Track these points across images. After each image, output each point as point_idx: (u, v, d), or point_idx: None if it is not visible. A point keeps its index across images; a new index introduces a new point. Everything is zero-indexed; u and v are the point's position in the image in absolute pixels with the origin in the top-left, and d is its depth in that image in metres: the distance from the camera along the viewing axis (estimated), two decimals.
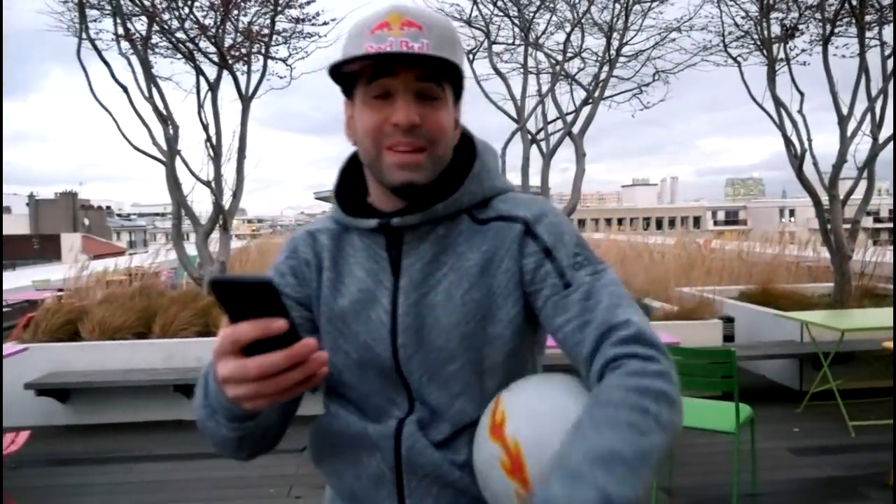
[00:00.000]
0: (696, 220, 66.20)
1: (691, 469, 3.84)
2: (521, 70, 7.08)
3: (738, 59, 7.16)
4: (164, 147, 6.23)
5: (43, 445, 4.24)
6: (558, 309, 0.91)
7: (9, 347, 4.79)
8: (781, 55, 7.01)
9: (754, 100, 6.97)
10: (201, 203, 8.92)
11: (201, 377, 0.89)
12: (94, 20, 6.21)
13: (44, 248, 46.70)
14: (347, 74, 0.94)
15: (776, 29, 7.00)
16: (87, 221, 62.75)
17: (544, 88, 7.10)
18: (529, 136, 7.05)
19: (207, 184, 6.34)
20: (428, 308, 0.96)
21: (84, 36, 5.92)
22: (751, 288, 7.27)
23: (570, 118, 6.91)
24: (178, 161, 6.29)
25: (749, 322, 6.36)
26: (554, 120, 7.07)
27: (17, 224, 62.09)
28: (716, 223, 69.65)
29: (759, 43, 6.98)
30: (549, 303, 0.92)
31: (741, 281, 7.71)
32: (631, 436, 0.76)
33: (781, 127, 6.93)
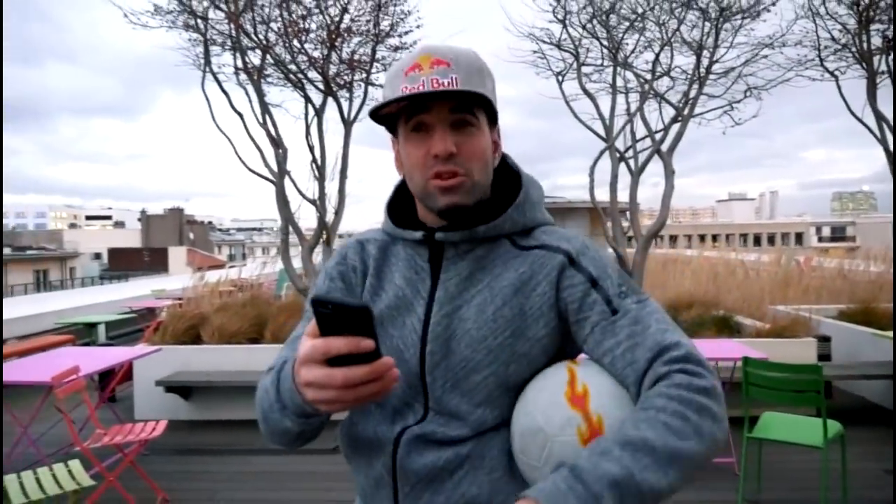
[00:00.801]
0: (799, 237, 62.85)
1: (780, 484, 3.87)
2: (610, 90, 7.21)
3: (836, 72, 7.01)
4: (275, 168, 6.78)
5: (170, 436, 4.74)
6: (607, 334, 0.97)
7: (143, 348, 5.37)
8: (883, 67, 6.82)
9: (853, 114, 6.82)
10: (306, 220, 9.46)
11: (272, 375, 0.99)
12: (216, 55, 6.86)
13: (153, 260, 49.88)
14: (389, 116, 1.05)
15: (877, 41, 6.82)
16: (192, 235, 66.47)
17: (633, 107, 7.19)
18: (618, 154, 7.15)
19: (313, 202, 6.85)
20: (459, 320, 1.02)
21: (207, 69, 6.56)
22: (851, 307, 7.04)
23: (658, 136, 6.97)
24: (286, 181, 6.82)
25: (846, 342, 6.19)
26: (643, 138, 7.14)
27: (130, 238, 66.52)
28: (820, 239, 65.82)
29: (857, 56, 6.82)
30: (597, 329, 0.98)
31: (842, 300, 7.45)
32: (665, 434, 0.82)
33: (883, 141, 6.74)
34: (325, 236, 6.90)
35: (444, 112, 0.99)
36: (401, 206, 1.13)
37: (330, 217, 6.97)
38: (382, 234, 1.15)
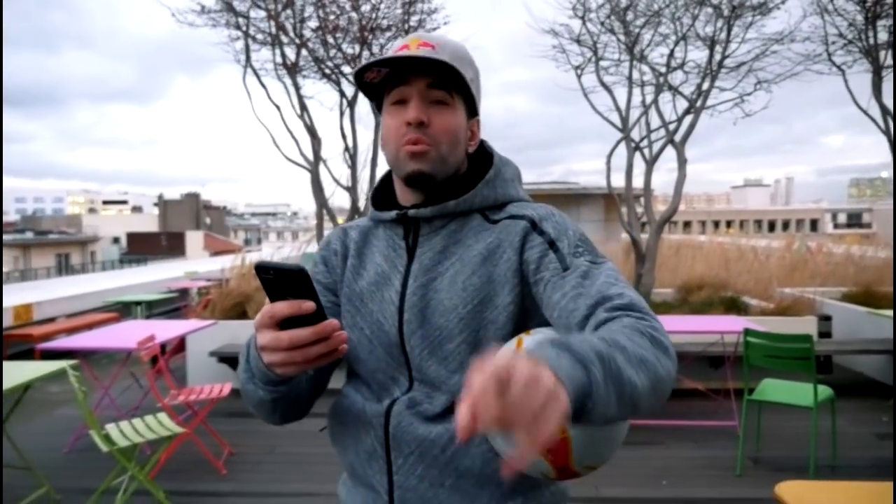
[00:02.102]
0: (814, 223, 62.50)
1: (777, 443, 4.31)
2: (626, 82, 7.58)
3: (843, 66, 7.34)
4: (310, 156, 7.24)
5: (225, 401, 5.24)
6: (556, 288, 0.99)
7: (199, 322, 5.88)
8: (889, 62, 7.14)
9: (859, 107, 7.14)
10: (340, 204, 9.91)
11: (244, 347, 1.03)
12: (255, 50, 7.31)
13: (170, 244, 50.59)
14: (378, 94, 1.11)
15: (883, 36, 7.13)
16: (208, 220, 67.21)
17: (648, 99, 7.56)
18: (633, 144, 7.54)
19: (347, 188, 7.32)
20: (433, 291, 1.06)
21: (248, 65, 7.02)
22: (854, 290, 7.42)
23: (672, 126, 7.34)
24: (321, 168, 7.28)
25: (846, 321, 6.59)
26: (657, 129, 7.51)
27: (148, 222, 67.36)
28: (836, 226, 65.44)
29: (864, 51, 7.14)
30: (548, 285, 1.00)
31: (847, 284, 7.82)
32: (631, 343, 0.81)
33: (888, 132, 7.07)
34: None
35: (422, 86, 1.04)
36: (384, 194, 1.19)
37: (362, 202, 7.43)
38: (367, 221, 1.22)
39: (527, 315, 1.05)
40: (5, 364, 4.03)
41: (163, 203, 68.98)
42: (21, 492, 3.65)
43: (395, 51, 1.04)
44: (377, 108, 1.14)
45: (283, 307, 0.84)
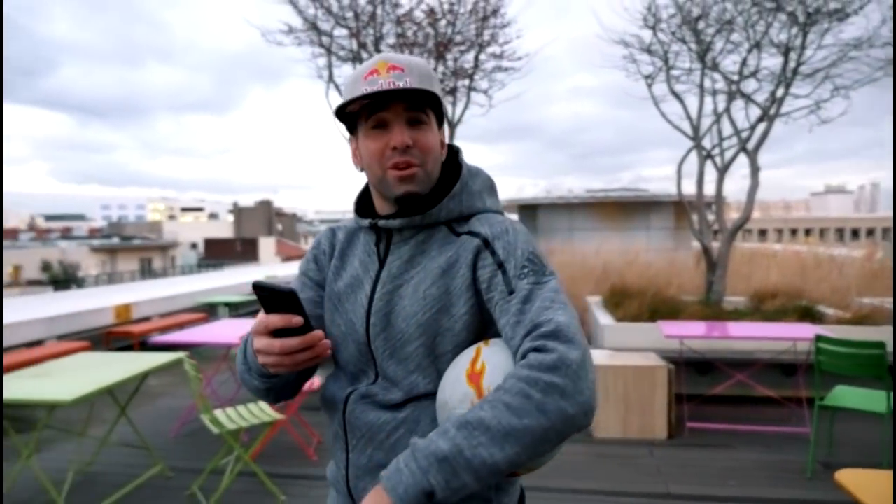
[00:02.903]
0: None
1: (848, 450, 4.33)
2: (698, 91, 7.61)
3: None
4: None
5: (311, 395, 5.57)
6: (502, 312, 1.07)
7: None
8: None
9: None
10: None
11: (242, 343, 1.20)
12: (336, 66, 7.73)
13: (244, 250, 52.43)
14: (350, 115, 1.18)
15: None
16: (279, 226, 69.29)
17: (720, 107, 7.58)
18: (704, 152, 7.56)
19: None
20: (398, 297, 1.15)
21: (331, 81, 7.44)
22: None
23: (744, 134, 7.34)
24: None
25: None
26: (729, 136, 7.51)
27: (223, 229, 69.98)
28: None
29: None
30: (496, 307, 1.08)
31: None
32: (503, 413, 0.90)
33: None
34: None
35: (401, 110, 1.12)
36: (366, 200, 1.27)
37: None
38: (353, 223, 1.30)
39: (484, 324, 1.13)
40: (125, 354, 4.50)
41: (237, 210, 71.54)
42: (138, 469, 4.08)
43: (366, 76, 1.11)
44: (349, 129, 1.21)
45: (276, 320, 0.99)
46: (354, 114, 1.16)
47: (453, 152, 1.26)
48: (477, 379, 1.04)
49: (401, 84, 1.08)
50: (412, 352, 1.13)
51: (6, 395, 3.31)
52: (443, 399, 1.08)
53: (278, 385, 1.18)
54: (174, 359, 4.07)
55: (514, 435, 0.89)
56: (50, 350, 6.91)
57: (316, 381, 4.74)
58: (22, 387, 3.43)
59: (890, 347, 3.90)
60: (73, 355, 4.47)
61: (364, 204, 1.26)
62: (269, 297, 0.97)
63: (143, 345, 8.19)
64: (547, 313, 1.01)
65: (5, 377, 3.85)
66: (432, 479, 0.88)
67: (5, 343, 6.83)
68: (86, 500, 3.62)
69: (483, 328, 1.13)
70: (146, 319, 9.29)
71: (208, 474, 3.90)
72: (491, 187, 1.27)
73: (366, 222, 1.21)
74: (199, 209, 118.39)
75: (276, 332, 0.99)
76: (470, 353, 1.09)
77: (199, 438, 4.85)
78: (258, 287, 0.97)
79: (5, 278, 40.59)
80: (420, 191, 1.14)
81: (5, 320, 7.15)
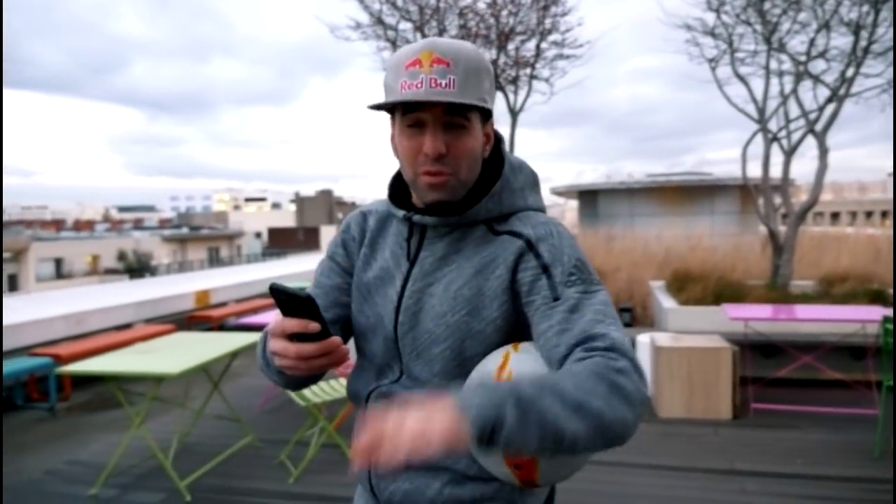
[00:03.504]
0: None
1: None
2: (763, 73, 7.51)
3: None
4: None
5: None
6: (544, 318, 1.01)
7: None
8: None
9: None
10: None
11: (260, 338, 1.16)
12: None
13: (306, 239, 53.69)
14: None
15: None
16: (340, 215, 70.52)
17: (786, 88, 7.46)
18: (770, 135, 7.47)
19: None
20: (428, 296, 1.11)
21: None
22: None
23: (812, 116, 7.22)
24: None
25: None
26: (796, 118, 7.39)
27: (286, 218, 71.70)
28: None
29: None
30: (538, 312, 1.03)
31: None
32: (576, 390, 0.85)
33: None
34: None
35: (439, 113, 1.04)
36: (402, 184, 1.20)
37: None
38: (385, 206, 1.23)
39: (517, 328, 1.09)
40: (215, 335, 4.87)
41: (299, 200, 73.17)
42: (230, 440, 4.44)
43: (407, 66, 1.03)
44: (388, 111, 1.12)
45: (293, 324, 0.95)
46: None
47: (495, 140, 1.19)
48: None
49: (443, 83, 1.01)
50: (438, 353, 1.09)
51: (119, 367, 3.69)
52: None
53: (298, 378, 1.14)
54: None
55: (583, 411, 0.84)
56: (138, 332, 7.44)
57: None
58: (132, 362, 3.81)
59: None
60: (169, 336, 4.87)
61: (398, 189, 1.21)
62: (286, 300, 0.95)
63: (221, 328, 8.68)
64: (600, 327, 0.97)
65: (110, 354, 4.25)
66: (507, 412, 0.80)
67: (101, 325, 7.39)
68: (187, 465, 3.98)
69: (515, 333, 1.09)
70: (223, 304, 9.81)
71: (294, 445, 4.21)
72: (534, 183, 1.21)
73: (400, 214, 1.16)
74: (263, 199, 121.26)
75: (293, 337, 0.96)
76: (497, 357, 1.05)
77: (282, 413, 5.20)
78: (275, 290, 0.95)
79: (85, 267, 42.78)
80: (451, 199, 1.09)
81: (101, 304, 7.73)
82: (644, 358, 5.40)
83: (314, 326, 0.94)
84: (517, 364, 1.02)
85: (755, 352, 5.48)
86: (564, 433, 0.82)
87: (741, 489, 3.64)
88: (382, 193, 1.25)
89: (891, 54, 6.94)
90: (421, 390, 1.11)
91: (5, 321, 6.43)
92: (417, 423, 0.78)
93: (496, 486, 1.10)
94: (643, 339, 5.50)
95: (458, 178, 1.07)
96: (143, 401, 3.86)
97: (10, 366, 5.81)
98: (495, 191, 1.12)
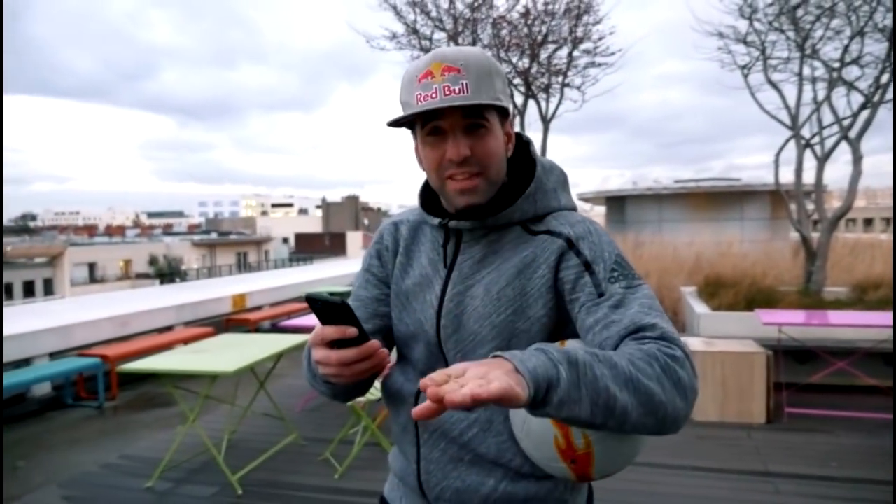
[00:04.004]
0: None
1: None
2: (796, 79, 7.53)
3: None
4: None
5: None
6: (590, 313, 1.03)
7: None
8: None
9: None
10: None
11: (305, 351, 1.15)
12: None
13: (333, 244, 54.08)
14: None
15: None
16: (366, 221, 71.00)
17: (819, 95, 7.47)
18: (803, 141, 7.48)
19: None
20: (469, 298, 1.12)
21: None
22: None
23: (846, 122, 7.21)
24: None
25: None
26: (829, 125, 7.40)
27: (312, 224, 72.30)
28: None
29: None
30: (583, 308, 1.04)
31: None
32: (629, 365, 0.87)
33: None
34: None
35: (458, 117, 1.06)
36: (432, 191, 1.22)
37: None
38: (417, 215, 1.26)
39: (561, 326, 1.11)
40: (260, 336, 5.05)
41: (325, 205, 73.76)
42: (276, 437, 4.61)
43: (420, 79, 1.05)
44: (408, 126, 1.15)
45: (331, 331, 0.97)
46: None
47: (523, 142, 1.22)
48: None
49: (456, 89, 1.03)
50: (485, 354, 1.08)
51: (178, 366, 3.88)
52: (511, 413, 1.09)
53: (347, 387, 1.16)
54: (303, 341, 4.56)
55: (634, 385, 0.86)
56: (180, 335, 7.68)
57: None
58: (188, 361, 4.00)
59: None
60: (217, 337, 5.06)
61: (429, 197, 1.23)
62: (322, 308, 0.97)
63: (257, 330, 8.90)
64: (648, 318, 0.99)
65: (166, 354, 4.46)
66: (563, 372, 0.81)
67: (144, 327, 7.65)
68: (236, 461, 4.15)
69: (558, 331, 1.11)
70: (258, 308, 10.05)
71: (337, 443, 4.37)
72: (564, 182, 1.23)
73: (435, 221, 1.18)
74: (289, 205, 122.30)
75: (334, 344, 0.98)
76: None
77: (322, 413, 5.37)
78: (311, 299, 0.97)
79: (117, 271, 43.65)
80: (481, 201, 1.11)
81: (143, 307, 7.99)
82: None
83: (352, 331, 0.96)
84: None
85: (788, 357, 5.51)
86: (616, 402, 0.84)
87: (775, 490, 3.71)
88: (408, 198, 1.35)
89: None
90: None
91: (54, 322, 6.71)
92: (480, 368, 0.78)
93: (549, 486, 1.12)
94: None
95: (486, 178, 1.09)
96: (197, 398, 4.04)
97: (60, 366, 6.07)
98: (530, 192, 1.14)
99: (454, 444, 1.13)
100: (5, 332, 6.02)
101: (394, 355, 1.25)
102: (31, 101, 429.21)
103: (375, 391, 4.33)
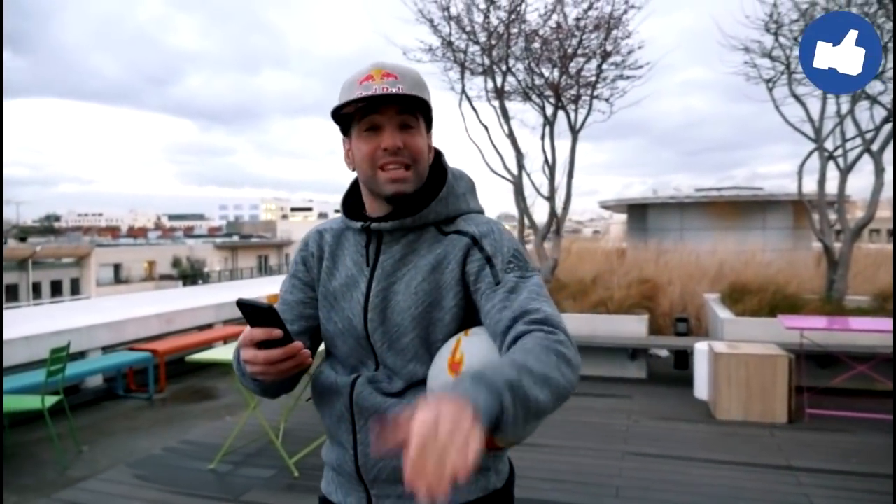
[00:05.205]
0: None
1: None
2: (820, 93, 7.71)
3: None
4: (513, 170, 8.25)
5: None
6: (488, 299, 1.16)
7: None
8: None
9: None
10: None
11: (235, 352, 1.21)
12: (468, 79, 8.43)
13: None
14: (344, 117, 1.24)
15: None
16: None
17: (843, 108, 7.66)
18: (826, 154, 7.68)
19: (546, 198, 8.21)
20: (392, 294, 1.23)
21: (463, 93, 8.18)
22: None
23: (869, 135, 7.40)
24: (524, 180, 8.25)
25: None
26: (852, 138, 7.58)
27: None
28: None
29: None
30: (483, 296, 1.17)
31: None
32: (536, 363, 0.97)
33: None
34: (555, 226, 8.24)
35: (393, 113, 1.18)
36: (354, 199, 1.33)
37: (559, 210, 8.29)
38: (340, 223, 1.35)
39: (469, 315, 1.22)
40: None
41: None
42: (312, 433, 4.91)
43: (361, 81, 1.17)
44: (342, 131, 1.28)
45: (259, 333, 1.07)
46: (349, 116, 1.23)
47: (436, 154, 1.33)
48: (457, 368, 1.12)
49: (394, 90, 1.15)
50: (408, 343, 1.21)
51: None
52: (430, 388, 1.17)
53: (273, 384, 1.23)
54: None
55: (548, 382, 0.95)
56: (219, 332, 8.05)
57: None
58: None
59: None
60: None
61: (351, 205, 1.33)
62: (251, 312, 1.05)
63: None
64: (534, 303, 1.12)
65: (228, 346, 4.78)
66: (504, 404, 0.87)
67: (187, 324, 8.03)
68: (290, 446, 4.46)
69: (469, 319, 1.22)
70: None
71: None
72: (472, 189, 1.36)
73: (357, 225, 1.28)
74: (309, 209, 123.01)
75: (261, 344, 1.07)
76: (451, 343, 1.17)
77: None
78: (241, 304, 1.05)
79: (141, 272, 44.39)
80: (409, 191, 1.21)
81: (186, 306, 8.37)
82: (702, 364, 5.71)
83: (277, 333, 1.06)
84: (467, 346, 1.15)
85: (810, 361, 5.73)
86: (539, 405, 0.93)
87: (797, 482, 3.95)
88: None
89: None
90: (398, 378, 1.23)
91: (107, 318, 7.09)
92: (452, 433, 0.77)
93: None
94: (701, 346, 5.81)
95: (415, 171, 1.21)
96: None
97: (115, 359, 6.46)
98: (442, 195, 1.25)
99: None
100: (64, 326, 6.42)
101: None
102: (59, 103, 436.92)
103: None
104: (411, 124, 1.20)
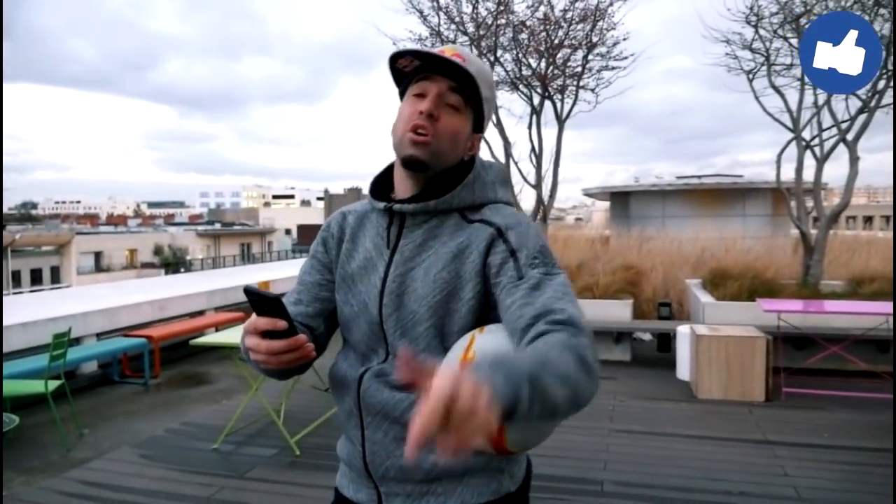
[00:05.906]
0: None
1: None
2: (798, 84, 7.97)
3: None
4: (500, 158, 8.40)
5: None
6: (509, 294, 1.10)
7: None
8: None
9: None
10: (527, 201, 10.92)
11: (241, 336, 1.18)
12: None
13: None
14: (402, 80, 1.22)
15: None
16: None
17: (820, 99, 7.91)
18: (804, 143, 7.93)
19: (533, 186, 8.39)
20: (410, 279, 1.18)
21: None
22: None
23: (844, 126, 7.66)
24: (512, 168, 8.41)
25: None
26: (829, 128, 7.84)
27: (314, 216, 72.36)
28: None
29: None
30: (504, 290, 1.11)
31: None
32: (559, 359, 0.92)
33: None
34: (542, 214, 8.43)
35: (443, 86, 1.16)
36: (383, 183, 1.30)
37: (546, 197, 8.48)
38: (364, 206, 1.33)
39: (486, 309, 1.16)
40: None
41: (328, 197, 73.85)
42: (321, 410, 5.07)
43: (431, 46, 1.47)
44: (400, 95, 1.24)
45: (263, 322, 1.04)
46: (407, 81, 1.21)
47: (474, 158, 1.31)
48: (468, 366, 1.03)
49: (453, 62, 1.13)
50: (423, 332, 1.16)
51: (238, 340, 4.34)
52: None
53: (278, 371, 1.18)
54: None
55: (568, 383, 0.90)
56: (211, 319, 8.16)
57: None
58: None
59: None
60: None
61: (380, 187, 1.30)
62: (258, 301, 1.04)
63: None
64: (559, 303, 1.05)
65: (231, 329, 4.91)
66: (521, 395, 0.81)
67: (179, 311, 8.12)
68: (290, 426, 4.62)
69: (486, 314, 1.17)
70: (282, 295, 10.47)
71: None
72: (504, 180, 1.32)
73: (381, 205, 1.24)
74: (290, 196, 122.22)
75: (265, 334, 1.04)
76: (465, 340, 1.12)
77: None
78: (248, 292, 1.04)
79: (122, 261, 44.05)
80: (425, 160, 1.16)
81: (176, 293, 8.46)
82: (684, 346, 5.95)
83: (282, 324, 1.03)
84: (481, 344, 1.10)
85: (787, 343, 5.99)
86: (557, 403, 0.88)
87: (773, 454, 4.19)
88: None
89: None
90: None
91: (99, 305, 7.17)
92: (466, 412, 0.73)
93: (486, 457, 1.17)
94: (683, 329, 6.04)
95: (437, 145, 1.16)
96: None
97: (111, 345, 6.55)
98: (469, 181, 1.21)
99: (396, 425, 1.17)
100: (58, 312, 6.50)
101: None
102: (34, 89, 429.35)
103: None
104: (457, 107, 1.17)
